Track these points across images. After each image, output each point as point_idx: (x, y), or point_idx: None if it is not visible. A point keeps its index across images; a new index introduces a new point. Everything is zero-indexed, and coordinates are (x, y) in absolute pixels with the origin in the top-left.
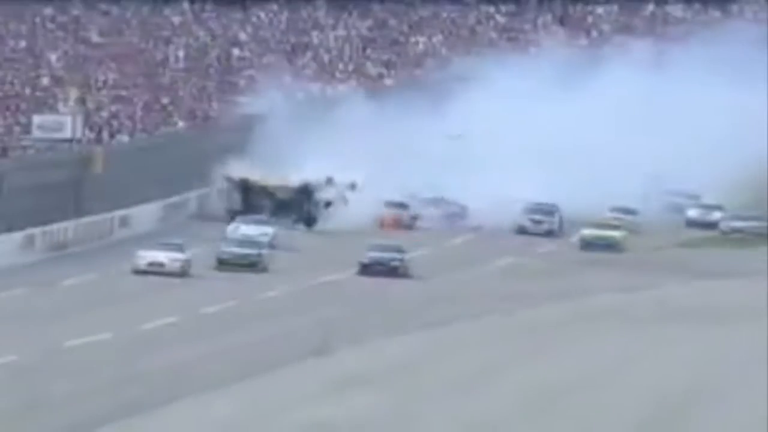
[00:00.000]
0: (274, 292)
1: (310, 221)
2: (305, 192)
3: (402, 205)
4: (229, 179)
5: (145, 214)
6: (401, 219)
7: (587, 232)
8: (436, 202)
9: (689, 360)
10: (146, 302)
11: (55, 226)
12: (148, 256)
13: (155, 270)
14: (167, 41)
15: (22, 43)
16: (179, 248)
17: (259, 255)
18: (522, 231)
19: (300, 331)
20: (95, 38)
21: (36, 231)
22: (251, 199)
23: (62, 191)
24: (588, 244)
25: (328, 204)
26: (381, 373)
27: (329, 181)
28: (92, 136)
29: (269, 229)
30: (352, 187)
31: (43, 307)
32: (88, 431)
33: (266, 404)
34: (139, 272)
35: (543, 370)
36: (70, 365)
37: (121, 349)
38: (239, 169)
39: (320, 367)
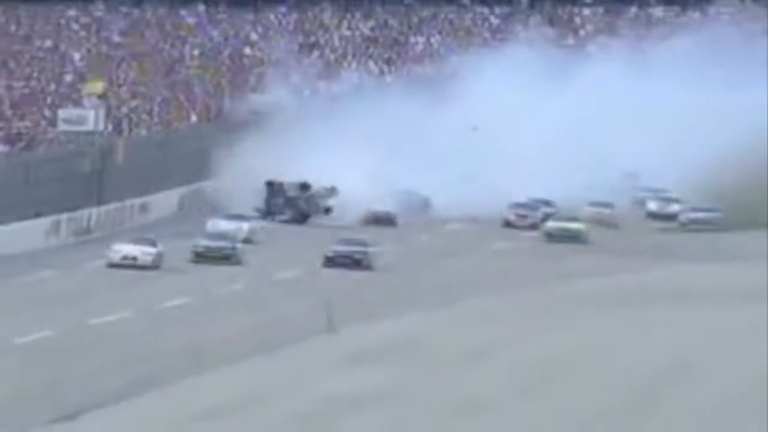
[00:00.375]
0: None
1: (302, 218)
2: (304, 189)
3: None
4: (267, 182)
5: (163, 202)
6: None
7: (551, 224)
8: (404, 195)
9: (672, 339)
10: (161, 284)
11: (79, 213)
12: (123, 250)
13: (128, 263)
14: (183, 41)
15: (48, 43)
16: (152, 243)
17: (234, 249)
18: (507, 224)
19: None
20: (116, 38)
21: (62, 217)
22: (272, 197)
23: (86, 180)
24: (552, 236)
25: (327, 210)
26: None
27: (332, 190)
28: (113, 129)
29: (245, 224)
30: (332, 191)
31: (68, 289)
32: (131, 394)
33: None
34: (113, 266)
35: (537, 349)
36: (94, 340)
37: (141, 326)
38: (248, 164)
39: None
